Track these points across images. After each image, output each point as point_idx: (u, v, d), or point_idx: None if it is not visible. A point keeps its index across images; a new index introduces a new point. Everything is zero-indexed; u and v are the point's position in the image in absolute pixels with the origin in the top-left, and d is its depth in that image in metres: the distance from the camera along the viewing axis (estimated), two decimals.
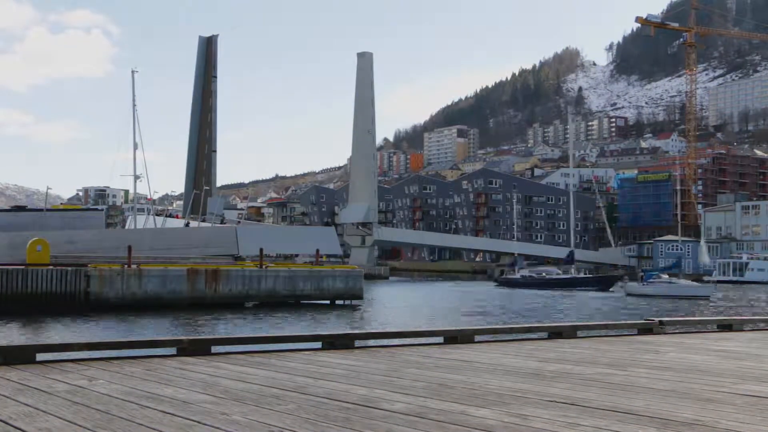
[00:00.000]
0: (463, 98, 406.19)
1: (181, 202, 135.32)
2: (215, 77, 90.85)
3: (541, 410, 5.07)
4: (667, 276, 67.57)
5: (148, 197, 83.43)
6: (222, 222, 76.28)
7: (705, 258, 76.16)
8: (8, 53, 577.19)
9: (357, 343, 9.05)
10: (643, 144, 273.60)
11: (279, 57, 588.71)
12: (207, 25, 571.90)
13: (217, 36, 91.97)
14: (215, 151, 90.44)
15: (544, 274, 78.07)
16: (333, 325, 32.92)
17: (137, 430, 4.32)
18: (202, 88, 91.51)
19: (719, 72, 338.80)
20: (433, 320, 35.99)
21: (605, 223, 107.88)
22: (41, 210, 64.31)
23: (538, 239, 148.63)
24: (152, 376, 6.37)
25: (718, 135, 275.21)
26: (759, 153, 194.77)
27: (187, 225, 67.33)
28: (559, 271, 79.28)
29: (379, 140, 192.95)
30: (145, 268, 38.67)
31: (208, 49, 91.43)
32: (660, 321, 12.04)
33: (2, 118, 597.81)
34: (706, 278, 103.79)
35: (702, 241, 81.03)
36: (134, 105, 69.05)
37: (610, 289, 72.29)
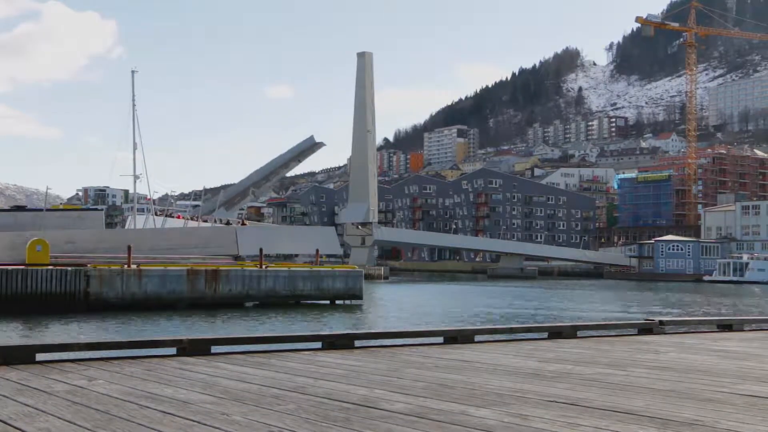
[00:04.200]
0: (463, 98, 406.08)
1: (182, 202, 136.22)
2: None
3: (541, 410, 5.06)
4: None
5: (148, 197, 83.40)
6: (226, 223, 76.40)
7: None
8: (10, 51, 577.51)
9: (357, 343, 9.03)
10: (643, 144, 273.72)
11: (278, 57, 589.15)
12: (207, 24, 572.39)
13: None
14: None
15: None
16: (333, 325, 32.91)
17: (137, 430, 4.32)
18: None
19: (719, 72, 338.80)
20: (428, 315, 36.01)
21: None
22: (41, 210, 64.17)
23: (538, 239, 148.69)
24: (152, 376, 6.36)
25: (718, 135, 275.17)
26: (759, 153, 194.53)
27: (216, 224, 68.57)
28: None
29: (379, 140, 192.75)
30: (145, 268, 38.63)
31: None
32: (660, 321, 12.04)
33: (2, 116, 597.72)
34: (706, 278, 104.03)
35: None
36: (134, 105, 69.04)
37: None
